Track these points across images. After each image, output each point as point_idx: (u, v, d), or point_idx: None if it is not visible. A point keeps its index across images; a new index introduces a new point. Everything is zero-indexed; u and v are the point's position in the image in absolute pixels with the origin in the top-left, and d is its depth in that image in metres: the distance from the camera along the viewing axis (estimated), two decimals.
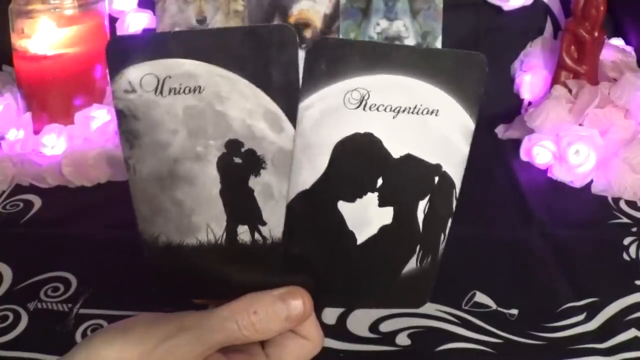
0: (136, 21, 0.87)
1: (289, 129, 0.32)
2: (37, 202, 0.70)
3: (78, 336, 0.52)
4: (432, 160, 0.33)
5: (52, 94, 0.78)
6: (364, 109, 0.31)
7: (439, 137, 0.32)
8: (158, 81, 0.31)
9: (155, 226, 0.34)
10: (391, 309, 0.52)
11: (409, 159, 0.32)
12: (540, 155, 0.72)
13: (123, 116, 0.32)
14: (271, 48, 0.31)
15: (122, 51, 0.31)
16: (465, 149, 0.33)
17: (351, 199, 0.33)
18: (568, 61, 0.79)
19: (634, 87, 0.72)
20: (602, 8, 0.76)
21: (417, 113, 0.32)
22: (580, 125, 0.73)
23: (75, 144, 0.75)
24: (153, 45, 0.31)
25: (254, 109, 0.31)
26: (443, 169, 0.33)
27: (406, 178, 0.33)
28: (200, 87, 0.31)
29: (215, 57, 0.31)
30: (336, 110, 0.31)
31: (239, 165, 0.32)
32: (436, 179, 0.33)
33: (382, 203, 0.33)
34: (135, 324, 0.32)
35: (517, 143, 0.76)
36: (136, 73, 0.31)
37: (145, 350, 0.31)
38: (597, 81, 0.78)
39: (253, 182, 0.32)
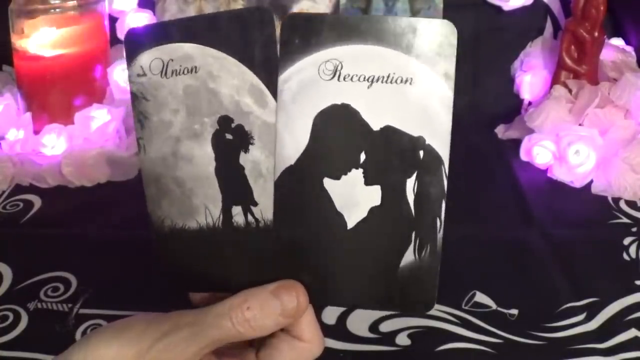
0: (136, 21, 0.87)
1: (272, 103, 0.33)
2: (37, 202, 0.71)
3: (78, 336, 0.52)
4: (413, 132, 0.33)
5: (52, 94, 0.78)
6: (338, 80, 0.32)
7: (417, 106, 0.32)
8: (163, 64, 0.34)
9: (161, 209, 0.35)
10: (396, 312, 0.52)
11: (389, 130, 0.33)
12: (540, 155, 0.72)
13: (136, 98, 0.35)
14: (253, 28, 0.33)
15: (136, 40, 0.35)
16: (447, 120, 0.33)
17: (336, 175, 0.33)
18: (568, 61, 0.79)
19: (634, 87, 0.72)
20: (602, 8, 0.76)
21: (392, 82, 0.32)
22: (580, 125, 0.73)
23: (75, 144, 0.75)
24: (159, 32, 0.35)
25: (240, 85, 0.33)
26: (427, 142, 0.33)
27: (389, 152, 0.33)
28: (196, 67, 0.34)
29: (208, 39, 0.34)
30: (312, 82, 0.32)
31: (230, 141, 0.34)
32: (421, 153, 0.33)
33: (368, 181, 0.33)
34: (133, 323, 0.32)
35: (517, 143, 0.76)
36: (146, 58, 0.34)
37: (141, 348, 0.31)
38: (597, 81, 0.78)
39: (243, 159, 0.34)
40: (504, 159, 0.76)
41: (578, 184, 0.70)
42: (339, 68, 0.32)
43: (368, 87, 0.32)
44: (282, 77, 0.33)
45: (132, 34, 0.35)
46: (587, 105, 0.73)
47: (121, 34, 0.87)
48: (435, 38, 0.32)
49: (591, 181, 0.70)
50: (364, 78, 0.32)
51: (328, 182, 0.33)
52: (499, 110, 0.83)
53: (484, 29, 0.87)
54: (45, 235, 0.65)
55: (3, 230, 0.66)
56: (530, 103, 0.83)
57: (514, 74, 0.86)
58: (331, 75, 0.32)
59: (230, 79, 0.33)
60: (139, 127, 0.35)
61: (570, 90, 0.77)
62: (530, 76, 0.83)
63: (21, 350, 0.51)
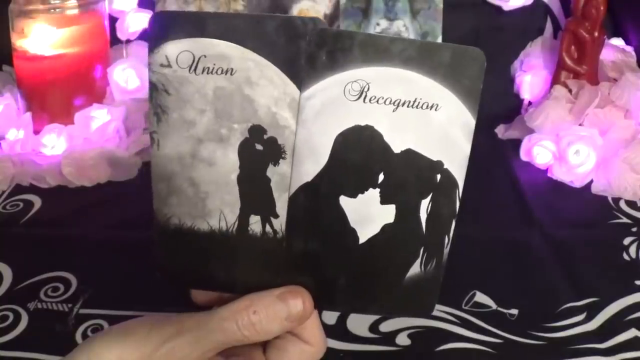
0: (136, 21, 0.87)
1: None
2: (37, 202, 0.70)
3: (78, 336, 0.52)
4: (433, 157, 0.33)
5: (52, 94, 0.78)
6: (364, 101, 0.32)
7: (440, 132, 0.32)
8: (194, 59, 0.32)
9: (169, 206, 0.34)
10: (395, 317, 0.52)
11: (409, 154, 0.32)
12: (540, 155, 0.72)
13: (155, 89, 0.33)
14: (303, 39, 0.31)
15: (163, 26, 0.32)
16: (467, 147, 0.33)
17: (353, 194, 0.33)
18: (568, 61, 0.79)
19: (634, 87, 0.72)
20: (602, 8, 0.76)
21: (417, 107, 0.32)
22: (580, 125, 0.73)
23: (75, 144, 0.75)
24: (193, 23, 0.32)
25: (280, 97, 0.32)
26: (445, 167, 0.33)
27: (407, 174, 0.33)
28: (232, 69, 0.32)
29: (250, 41, 0.31)
30: (337, 101, 0.31)
31: (260, 152, 0.33)
32: (438, 176, 0.33)
33: (384, 200, 0.33)
34: (136, 327, 0.32)
35: (517, 143, 0.76)
36: (174, 49, 0.32)
37: (145, 353, 0.31)
38: (597, 81, 0.78)
39: (271, 171, 0.33)
40: (504, 159, 0.76)
41: (578, 184, 0.70)
42: (366, 89, 0.31)
43: (393, 111, 0.32)
44: (305, 94, 0.32)
45: (159, 18, 0.32)
46: (587, 105, 0.73)
47: (121, 34, 0.87)
48: (464, 65, 0.31)
49: (591, 181, 0.70)
50: (390, 101, 0.32)
51: (344, 200, 0.33)
52: (499, 110, 0.83)
53: (483, 29, 0.87)
54: (45, 235, 0.65)
55: (3, 230, 0.66)
56: (530, 103, 0.83)
57: (514, 74, 0.86)
58: (357, 96, 0.31)
59: (270, 88, 0.32)
60: (154, 121, 0.33)
61: (570, 90, 0.77)
62: (530, 76, 0.83)
63: (21, 350, 0.51)
